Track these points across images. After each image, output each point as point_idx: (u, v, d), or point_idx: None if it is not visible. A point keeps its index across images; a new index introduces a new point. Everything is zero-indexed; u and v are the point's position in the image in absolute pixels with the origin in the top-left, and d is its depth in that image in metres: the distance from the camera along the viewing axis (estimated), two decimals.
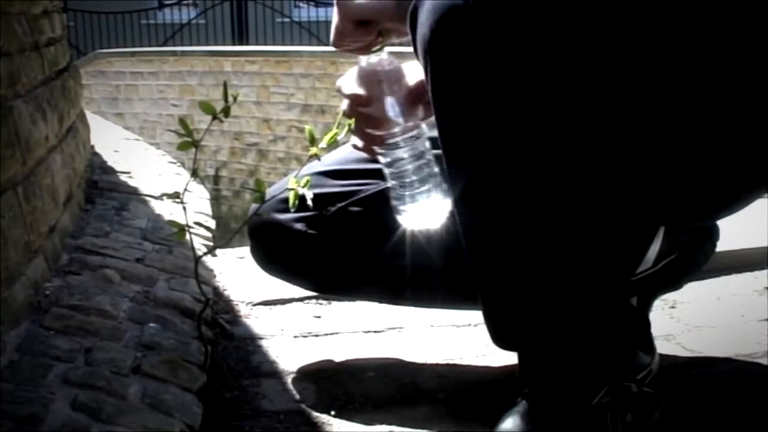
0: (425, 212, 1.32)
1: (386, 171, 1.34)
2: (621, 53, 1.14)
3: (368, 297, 1.70)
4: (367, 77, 1.32)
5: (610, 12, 1.13)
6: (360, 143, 1.38)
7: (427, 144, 1.32)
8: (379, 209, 1.45)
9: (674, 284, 1.56)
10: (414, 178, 1.32)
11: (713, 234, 1.56)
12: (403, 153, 1.32)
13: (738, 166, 1.25)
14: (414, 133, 1.31)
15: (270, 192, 1.44)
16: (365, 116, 1.34)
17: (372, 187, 1.53)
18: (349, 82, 1.36)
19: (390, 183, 1.33)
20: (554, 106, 1.14)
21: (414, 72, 1.32)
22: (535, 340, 1.29)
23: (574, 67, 1.13)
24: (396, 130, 1.31)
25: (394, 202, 1.33)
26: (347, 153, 1.54)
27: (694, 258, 1.54)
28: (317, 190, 1.42)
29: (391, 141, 1.31)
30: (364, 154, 1.41)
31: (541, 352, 1.30)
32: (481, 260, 1.25)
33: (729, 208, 1.34)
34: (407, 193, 1.32)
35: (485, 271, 1.26)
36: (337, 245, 1.52)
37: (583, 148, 1.17)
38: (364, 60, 1.33)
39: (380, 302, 1.71)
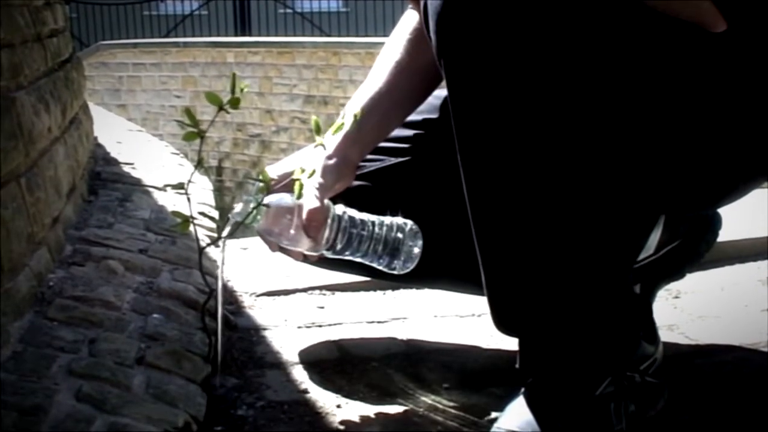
0: (406, 264, 1.40)
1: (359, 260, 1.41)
2: (623, 46, 1.14)
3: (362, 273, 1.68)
4: (276, 215, 1.39)
5: (612, 10, 1.14)
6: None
7: (351, 220, 1.38)
8: (383, 184, 1.49)
9: (677, 273, 1.56)
10: (372, 253, 1.39)
11: (715, 223, 1.56)
12: (344, 251, 1.39)
13: (736, 154, 1.25)
14: (335, 235, 1.37)
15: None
16: (286, 250, 1.41)
17: (375, 164, 1.53)
18: (266, 223, 1.41)
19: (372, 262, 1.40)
20: (559, 100, 1.15)
21: (307, 201, 1.36)
22: (538, 327, 1.29)
23: (578, 63, 1.13)
24: (312, 251, 1.39)
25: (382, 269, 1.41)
26: None
27: (696, 246, 1.54)
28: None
29: (321, 251, 1.39)
30: None
31: (543, 340, 1.30)
32: (486, 244, 1.26)
33: (728, 196, 1.34)
34: (381, 264, 1.40)
35: (490, 256, 1.26)
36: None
37: (587, 138, 1.17)
38: (272, 198, 1.38)
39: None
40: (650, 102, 1.18)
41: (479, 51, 1.15)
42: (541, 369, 1.30)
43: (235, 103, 1.32)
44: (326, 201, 1.38)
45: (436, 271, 1.51)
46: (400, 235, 1.38)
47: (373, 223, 1.38)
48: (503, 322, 1.31)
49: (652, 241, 1.49)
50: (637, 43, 1.16)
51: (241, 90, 1.33)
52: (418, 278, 1.55)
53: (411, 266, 1.39)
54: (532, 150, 1.18)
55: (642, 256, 1.48)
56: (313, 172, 1.37)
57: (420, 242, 1.39)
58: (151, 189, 2.50)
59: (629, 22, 1.15)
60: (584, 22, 1.13)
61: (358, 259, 1.40)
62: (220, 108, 1.32)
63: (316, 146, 1.41)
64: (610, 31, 1.14)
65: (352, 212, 1.39)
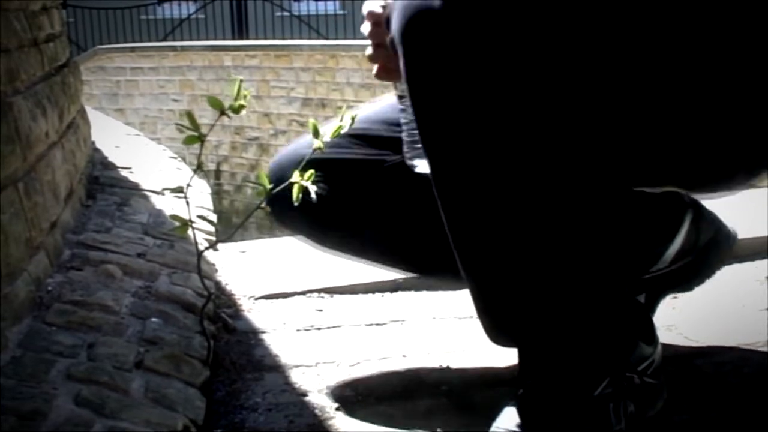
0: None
1: (402, 118, 1.32)
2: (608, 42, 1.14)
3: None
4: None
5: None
6: (376, 69, 1.37)
7: None
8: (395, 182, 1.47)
9: (685, 285, 1.57)
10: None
11: (730, 240, 1.57)
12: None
13: (737, 140, 1.24)
14: None
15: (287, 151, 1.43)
16: (382, 50, 1.32)
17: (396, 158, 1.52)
18: (374, 5, 1.35)
19: (404, 130, 1.32)
20: (534, 96, 1.14)
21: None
22: (535, 331, 1.29)
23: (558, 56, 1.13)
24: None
25: (406, 150, 1.32)
26: (378, 109, 1.53)
27: (710, 263, 1.56)
28: (343, 156, 1.41)
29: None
30: (393, 113, 1.41)
31: (541, 343, 1.30)
32: (473, 257, 1.25)
33: (726, 183, 1.33)
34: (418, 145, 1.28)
35: (479, 267, 1.25)
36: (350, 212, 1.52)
37: (572, 134, 1.17)
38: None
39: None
40: (641, 84, 1.17)
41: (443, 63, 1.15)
42: (539, 370, 1.30)
43: (238, 109, 1.32)
44: None
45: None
46: None
47: None
48: (500, 331, 1.31)
49: (670, 252, 1.50)
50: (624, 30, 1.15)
51: (245, 96, 1.33)
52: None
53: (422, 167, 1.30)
54: (515, 153, 1.17)
55: (656, 267, 1.50)
56: (312, 174, 1.37)
57: None
58: (149, 193, 2.50)
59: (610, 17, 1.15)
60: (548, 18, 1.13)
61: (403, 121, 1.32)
62: (222, 112, 1.33)
63: (314, 150, 1.41)
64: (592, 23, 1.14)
65: None
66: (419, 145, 1.25)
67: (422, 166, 1.29)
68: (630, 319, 1.34)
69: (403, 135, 1.33)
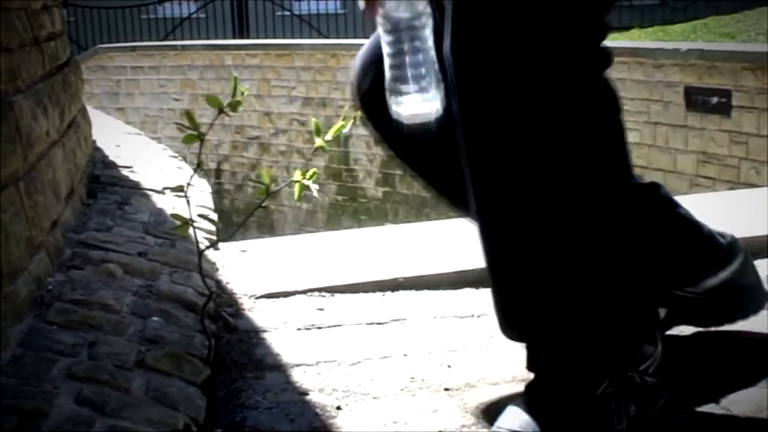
0: (418, 106, 1.28)
1: (386, 61, 1.29)
2: None
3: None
4: None
5: None
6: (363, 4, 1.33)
7: (428, 35, 1.28)
8: None
9: (703, 322, 1.59)
10: (410, 71, 1.27)
11: (763, 299, 1.60)
12: (404, 41, 1.27)
13: None
14: (417, 22, 1.27)
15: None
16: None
17: None
18: None
19: (387, 73, 1.29)
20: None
21: None
22: (544, 327, 1.30)
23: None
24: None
25: (388, 94, 1.29)
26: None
27: (734, 311, 1.58)
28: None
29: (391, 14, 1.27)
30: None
31: (548, 340, 1.30)
32: (498, 252, 1.28)
33: None
34: (401, 86, 1.28)
35: (501, 262, 1.27)
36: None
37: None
38: None
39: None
40: None
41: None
42: (545, 370, 1.31)
43: (235, 106, 1.32)
44: None
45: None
46: (420, 73, 1.27)
47: (420, 49, 1.27)
48: (510, 325, 1.32)
49: (708, 283, 1.55)
50: None
51: (242, 93, 1.33)
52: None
53: (399, 110, 1.28)
54: (540, 151, 1.20)
55: (691, 289, 1.54)
56: (314, 173, 1.37)
57: (425, 106, 1.27)
58: (149, 192, 2.50)
59: None
60: None
61: (385, 52, 1.29)
62: (221, 111, 1.33)
63: (316, 149, 1.41)
64: None
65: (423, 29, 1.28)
66: (399, 85, 1.26)
67: (399, 108, 1.27)
68: (640, 323, 1.35)
69: (386, 71, 1.29)
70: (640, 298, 1.37)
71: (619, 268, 1.30)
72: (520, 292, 1.28)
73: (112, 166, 2.78)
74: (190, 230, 1.42)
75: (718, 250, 1.57)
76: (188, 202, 1.40)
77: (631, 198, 1.35)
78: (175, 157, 3.42)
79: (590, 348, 1.29)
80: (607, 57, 1.29)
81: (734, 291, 1.57)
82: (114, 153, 2.99)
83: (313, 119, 1.40)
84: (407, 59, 1.27)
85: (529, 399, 1.29)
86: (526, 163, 1.22)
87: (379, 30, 1.30)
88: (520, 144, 1.22)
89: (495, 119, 1.23)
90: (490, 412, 1.38)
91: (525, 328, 1.32)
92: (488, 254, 1.30)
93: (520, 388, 1.35)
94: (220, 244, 2.14)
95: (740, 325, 1.63)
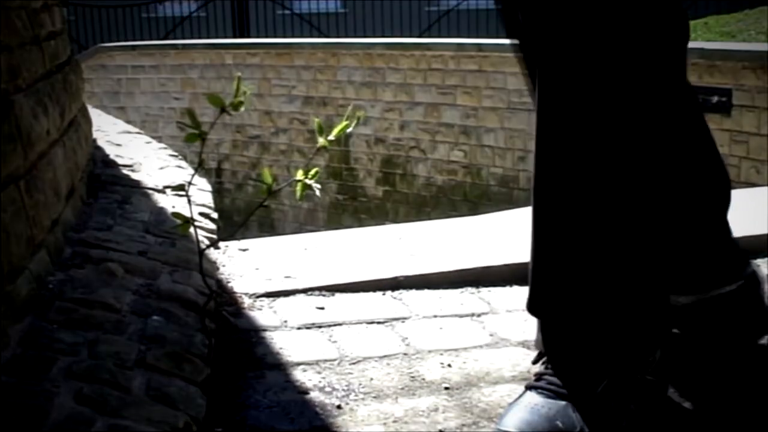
0: None
1: None
2: None
3: None
4: None
5: None
6: None
7: None
8: None
9: (720, 336, 1.60)
10: None
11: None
12: None
13: None
14: None
15: None
16: None
17: None
18: None
19: None
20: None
21: None
22: (570, 311, 1.32)
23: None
24: None
25: None
26: None
27: (752, 330, 1.59)
28: None
29: None
30: None
31: (568, 325, 1.32)
32: (541, 231, 1.32)
33: None
34: None
35: (541, 240, 1.32)
36: None
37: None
38: None
39: None
40: None
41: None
42: (553, 353, 1.32)
43: (238, 105, 1.32)
44: None
45: None
46: None
47: None
48: (540, 297, 1.36)
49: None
50: None
51: (245, 93, 1.33)
52: None
53: None
54: (595, 148, 1.24)
55: (715, 290, 1.56)
56: (316, 172, 1.37)
57: None
58: (150, 191, 2.50)
59: None
60: None
61: None
62: (222, 110, 1.33)
63: (318, 148, 1.41)
64: None
65: None
66: None
67: None
68: (660, 328, 1.37)
69: None
70: (663, 304, 1.38)
71: (656, 264, 1.32)
72: (558, 265, 1.32)
73: (113, 165, 2.78)
74: (191, 229, 1.42)
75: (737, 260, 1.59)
76: (189, 201, 1.40)
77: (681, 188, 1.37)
78: (176, 156, 3.42)
79: (607, 343, 1.30)
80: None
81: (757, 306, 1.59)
82: (114, 152, 2.99)
83: (316, 119, 1.41)
84: None
85: (530, 399, 1.29)
86: (599, 145, 1.26)
87: None
88: (596, 121, 1.25)
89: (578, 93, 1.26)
90: (491, 412, 1.38)
91: (552, 303, 1.34)
92: (536, 223, 1.33)
93: (520, 388, 1.35)
94: (221, 243, 2.14)
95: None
